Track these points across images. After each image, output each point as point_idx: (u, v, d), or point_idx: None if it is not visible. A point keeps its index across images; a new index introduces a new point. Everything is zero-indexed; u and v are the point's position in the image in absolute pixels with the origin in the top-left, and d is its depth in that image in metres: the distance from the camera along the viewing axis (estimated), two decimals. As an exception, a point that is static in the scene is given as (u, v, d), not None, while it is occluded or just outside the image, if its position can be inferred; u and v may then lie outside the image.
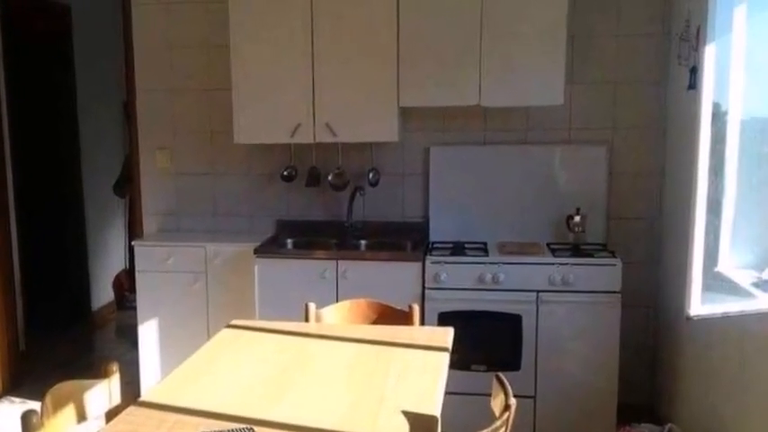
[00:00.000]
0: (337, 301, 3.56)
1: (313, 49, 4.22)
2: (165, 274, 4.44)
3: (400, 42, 4.14)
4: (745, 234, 3.33)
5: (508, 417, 2.00)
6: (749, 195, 3.31)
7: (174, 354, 4.32)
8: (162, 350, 4.53)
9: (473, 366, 3.97)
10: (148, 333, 4.54)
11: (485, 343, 4.01)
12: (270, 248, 4.30)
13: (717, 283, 3.41)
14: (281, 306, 3.86)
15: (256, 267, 4.17)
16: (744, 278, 3.17)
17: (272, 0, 4.25)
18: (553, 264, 3.93)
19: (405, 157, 4.60)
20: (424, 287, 4.02)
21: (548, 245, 4.26)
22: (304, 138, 4.28)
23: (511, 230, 4.42)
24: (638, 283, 4.29)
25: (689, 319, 3.64)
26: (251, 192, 4.79)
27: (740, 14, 3.39)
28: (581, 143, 4.41)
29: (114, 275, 6.72)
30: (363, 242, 4.47)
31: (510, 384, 2.10)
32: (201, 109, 4.80)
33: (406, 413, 2.08)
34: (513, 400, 2.02)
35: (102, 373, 2.31)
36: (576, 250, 4.11)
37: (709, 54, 3.56)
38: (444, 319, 3.89)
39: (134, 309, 4.64)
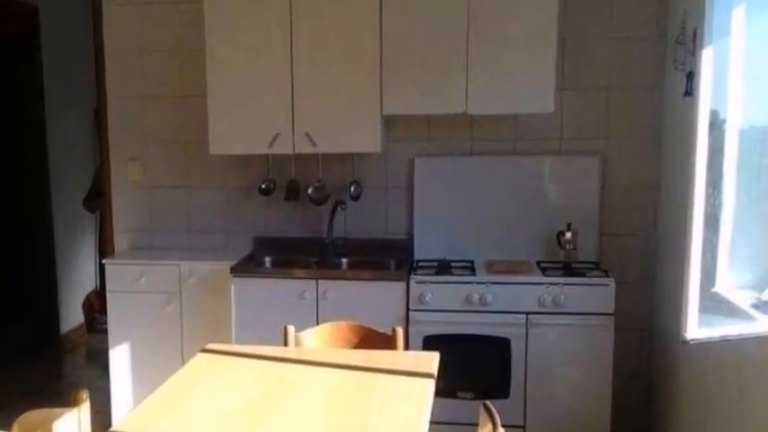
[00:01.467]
0: (318, 322, 3.55)
1: (292, 53, 4.21)
2: (138, 295, 4.41)
3: (383, 45, 4.14)
4: (744, 252, 3.31)
5: (497, 448, 1.99)
6: (748, 210, 3.28)
7: (146, 380, 4.29)
8: (134, 376, 4.49)
9: (459, 394, 3.97)
10: (120, 358, 4.51)
11: (472, 368, 4.00)
12: (247, 267, 4.28)
13: (714, 305, 3.38)
14: (259, 328, 3.84)
15: (233, 287, 4.15)
16: (743, 299, 3.14)
17: (250, 1, 4.22)
18: (543, 284, 3.93)
19: (388, 168, 4.59)
20: (408, 308, 4.00)
21: (537, 263, 4.25)
22: (283, 148, 4.27)
23: (499, 247, 4.40)
24: (631, 305, 4.29)
25: (685, 342, 3.60)
26: (227, 206, 4.77)
27: (739, 15, 3.36)
28: (572, 154, 4.40)
29: (84, 296, 6.63)
30: (345, 260, 4.45)
31: (498, 413, 2.09)
32: (175, 117, 4.78)
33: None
34: (501, 431, 2.01)
35: (71, 402, 2.27)
36: (568, 269, 4.11)
37: (707, 58, 3.52)
38: (429, 343, 3.89)
39: (105, 332, 4.61)
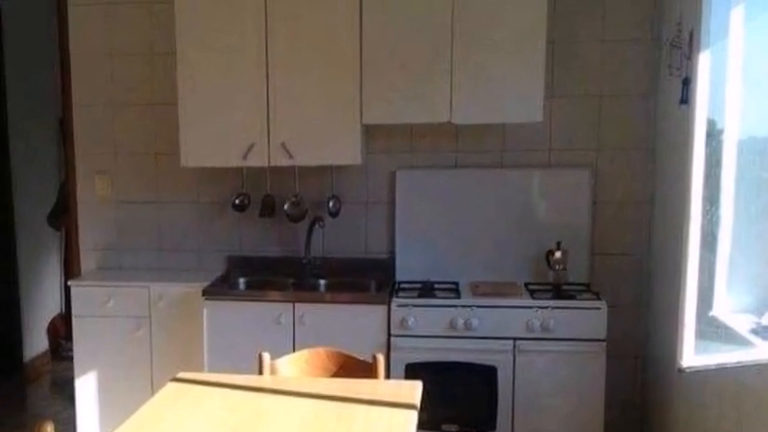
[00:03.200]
0: (294, 348, 3.54)
1: (267, 57, 4.21)
2: (105, 320, 4.38)
3: (363, 50, 4.14)
4: (743, 272, 3.28)
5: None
6: (747, 227, 3.25)
7: (114, 411, 4.29)
8: (101, 407, 4.47)
9: (444, 426, 3.97)
10: (86, 387, 4.47)
11: (457, 399, 3.99)
12: (220, 290, 4.27)
13: (712, 330, 3.34)
14: (232, 355, 3.85)
15: (205, 311, 4.14)
16: (741, 324, 3.12)
17: (223, 1, 4.20)
18: (531, 307, 3.92)
19: (368, 182, 4.58)
20: (389, 334, 3.99)
21: (526, 285, 4.25)
22: (258, 160, 4.25)
23: (485, 267, 4.40)
24: (625, 330, 4.31)
25: (681, 371, 3.58)
26: (200, 223, 4.75)
27: (737, 17, 3.32)
28: (562, 166, 4.41)
29: (49, 320, 6.51)
30: (323, 282, 4.47)
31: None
32: (145, 127, 4.78)
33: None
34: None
35: (35, 435, 2.24)
36: (557, 291, 4.12)
37: (704, 62, 3.50)
38: (412, 371, 3.89)
39: (71, 359, 4.57)
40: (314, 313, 4.04)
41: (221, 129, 4.26)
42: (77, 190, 4.90)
